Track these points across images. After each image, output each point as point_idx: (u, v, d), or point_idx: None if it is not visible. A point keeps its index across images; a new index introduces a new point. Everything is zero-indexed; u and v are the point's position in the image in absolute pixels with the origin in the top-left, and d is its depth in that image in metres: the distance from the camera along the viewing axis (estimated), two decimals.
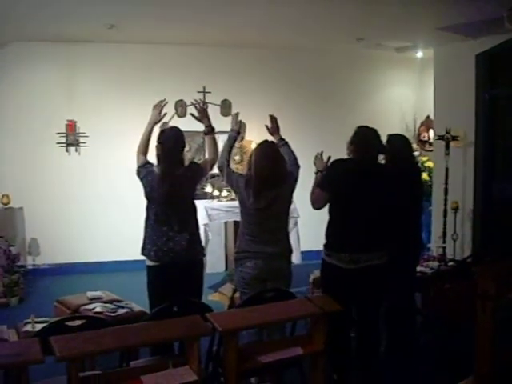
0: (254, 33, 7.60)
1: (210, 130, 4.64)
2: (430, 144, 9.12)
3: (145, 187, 4.36)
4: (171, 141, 4.31)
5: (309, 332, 3.59)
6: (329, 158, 4.48)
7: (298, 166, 4.46)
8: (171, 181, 4.28)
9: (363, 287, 4.21)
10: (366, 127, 4.39)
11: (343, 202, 4.26)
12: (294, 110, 8.55)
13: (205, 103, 4.76)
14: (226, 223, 7.80)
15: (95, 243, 8.06)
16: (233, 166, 4.55)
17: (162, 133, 4.40)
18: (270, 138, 4.58)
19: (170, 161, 4.30)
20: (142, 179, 4.38)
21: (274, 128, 4.63)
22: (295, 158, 4.48)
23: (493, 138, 7.66)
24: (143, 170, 4.37)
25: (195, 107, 4.72)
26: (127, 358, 3.28)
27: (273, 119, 4.66)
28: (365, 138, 4.32)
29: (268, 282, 4.23)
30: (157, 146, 4.36)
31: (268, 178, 4.19)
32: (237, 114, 4.68)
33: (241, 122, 4.64)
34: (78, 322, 3.21)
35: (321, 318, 3.47)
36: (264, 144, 4.35)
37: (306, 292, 5.69)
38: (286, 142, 4.54)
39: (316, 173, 4.53)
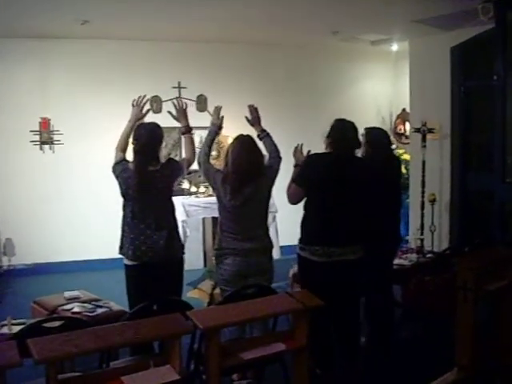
0: (230, 28, 7.56)
1: (188, 130, 4.58)
2: (407, 137, 9.18)
3: (120, 184, 4.30)
4: (147, 136, 4.25)
5: (291, 327, 3.57)
6: (308, 151, 4.45)
7: (279, 158, 4.41)
8: (146, 177, 4.21)
9: (337, 281, 4.20)
10: (343, 120, 4.38)
11: (318, 196, 4.25)
12: (271, 105, 8.46)
13: (185, 103, 4.68)
14: (204, 219, 7.75)
15: (72, 242, 7.95)
16: (210, 161, 4.49)
17: (138, 128, 4.34)
18: (248, 131, 4.50)
19: (145, 156, 4.23)
20: (117, 176, 4.31)
21: (255, 119, 4.53)
22: (277, 150, 4.42)
23: (468, 130, 7.73)
24: (119, 167, 4.31)
25: (174, 106, 4.66)
26: (107, 358, 3.23)
27: (253, 109, 4.55)
28: (342, 131, 4.30)
29: (249, 278, 4.20)
30: (132, 142, 4.30)
31: (245, 173, 4.14)
32: (218, 108, 4.56)
33: (223, 117, 4.54)
34: (56, 323, 3.16)
35: (302, 314, 3.44)
36: (240, 138, 4.29)
37: (285, 287, 5.68)
38: (268, 134, 4.47)
39: (295, 166, 4.51)
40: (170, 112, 4.70)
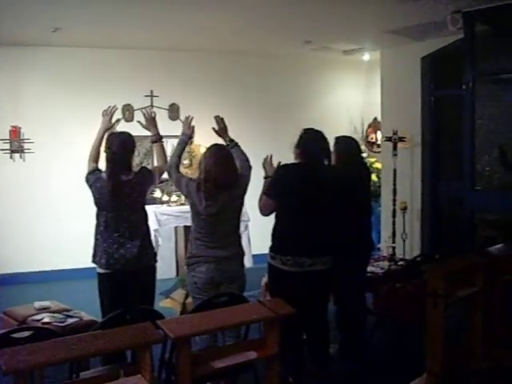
0: (202, 37, 7.56)
1: (158, 138, 4.58)
2: (378, 145, 9.25)
3: (94, 194, 4.29)
4: (119, 145, 4.24)
5: (262, 336, 3.56)
6: (279, 163, 4.46)
7: (250, 167, 4.42)
8: (119, 186, 4.21)
9: (306, 291, 4.22)
10: (311, 129, 4.40)
11: (289, 206, 4.27)
12: (243, 114, 8.54)
13: (153, 112, 4.68)
14: (176, 228, 7.73)
15: (44, 252, 7.84)
16: (182, 170, 4.48)
17: (110, 137, 4.33)
18: (220, 140, 4.53)
19: (117, 165, 4.22)
20: (90, 186, 4.30)
21: (222, 129, 4.52)
22: (247, 159, 4.43)
23: (439, 139, 7.81)
24: (92, 177, 4.30)
25: (143, 115, 4.65)
26: (77, 369, 3.20)
27: (219, 120, 4.54)
28: (310, 140, 4.32)
29: (221, 286, 4.20)
30: (105, 151, 4.29)
31: (220, 181, 4.14)
32: (189, 119, 4.56)
33: (194, 126, 4.55)
34: (25, 334, 3.12)
35: (274, 322, 3.44)
36: (214, 147, 4.29)
37: (258, 296, 5.66)
38: (236, 143, 4.48)
39: (265, 178, 4.52)
40: (139, 121, 4.70)
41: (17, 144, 7.75)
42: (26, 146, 7.79)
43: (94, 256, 4.33)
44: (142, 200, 4.42)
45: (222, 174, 4.15)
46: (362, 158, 5.40)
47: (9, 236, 7.76)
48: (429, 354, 4.26)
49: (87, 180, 4.32)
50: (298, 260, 4.18)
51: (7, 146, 7.73)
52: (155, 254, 4.55)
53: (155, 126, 4.60)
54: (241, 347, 3.51)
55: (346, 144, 4.99)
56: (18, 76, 7.80)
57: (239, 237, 4.44)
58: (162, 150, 4.61)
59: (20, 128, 7.76)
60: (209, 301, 3.71)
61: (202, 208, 4.18)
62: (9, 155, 7.75)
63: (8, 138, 7.73)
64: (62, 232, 7.87)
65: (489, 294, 4.65)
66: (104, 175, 4.26)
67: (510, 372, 4.40)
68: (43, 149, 7.83)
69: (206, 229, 4.23)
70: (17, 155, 7.79)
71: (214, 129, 4.54)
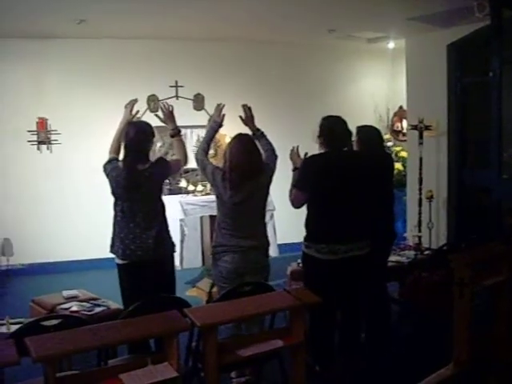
0: (227, 26, 7.56)
1: (177, 133, 4.56)
2: (404, 134, 9.18)
3: (111, 183, 4.30)
4: (135, 134, 4.24)
5: (288, 324, 3.58)
6: (305, 154, 4.47)
7: (275, 157, 4.42)
8: (135, 175, 4.21)
9: (343, 278, 4.24)
10: (330, 116, 4.40)
11: (319, 196, 4.28)
12: (268, 104, 8.51)
13: (170, 106, 4.67)
14: (202, 218, 7.75)
15: (70, 242, 7.95)
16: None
17: (127, 126, 4.36)
18: (244, 129, 4.53)
19: (133, 154, 4.23)
20: (107, 175, 4.31)
21: (249, 118, 4.52)
22: (273, 149, 4.43)
23: (465, 127, 7.74)
24: (109, 167, 4.32)
25: (161, 109, 4.66)
26: (105, 356, 3.25)
27: (246, 109, 4.54)
28: (331, 128, 4.33)
29: (246, 276, 4.20)
30: (123, 141, 4.32)
31: (245, 170, 4.15)
32: (221, 106, 4.54)
33: (224, 114, 4.54)
34: (53, 322, 3.16)
35: (300, 310, 3.46)
36: (239, 137, 4.30)
37: (283, 285, 5.70)
38: (262, 133, 4.48)
39: (293, 170, 4.53)
40: (157, 115, 4.71)
41: (43, 135, 7.83)
42: (52, 137, 7.88)
43: (112, 246, 4.35)
44: (159, 190, 4.41)
45: (247, 163, 4.16)
46: (384, 147, 5.36)
47: (37, 227, 7.88)
48: (455, 342, 4.25)
49: (105, 169, 4.33)
50: (333, 248, 4.19)
51: (34, 138, 7.82)
52: (173, 244, 4.51)
53: (173, 119, 4.58)
54: (267, 336, 3.52)
55: (368, 133, 4.97)
56: (43, 68, 7.89)
57: (264, 227, 4.44)
58: (182, 144, 4.60)
59: (47, 119, 7.84)
60: (234, 290, 3.72)
61: (226, 197, 4.20)
62: (36, 146, 7.84)
63: (35, 129, 7.81)
64: (89, 222, 7.94)
65: None
66: (121, 164, 4.27)
67: None
68: (70, 140, 7.91)
69: (231, 218, 4.24)
70: (44, 146, 7.87)
71: (240, 117, 4.54)
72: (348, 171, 4.26)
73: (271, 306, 3.44)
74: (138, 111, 4.62)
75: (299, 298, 3.45)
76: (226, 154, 4.25)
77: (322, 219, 4.29)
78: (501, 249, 4.76)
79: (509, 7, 6.09)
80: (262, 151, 4.37)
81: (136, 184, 4.21)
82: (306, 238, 4.36)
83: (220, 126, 4.55)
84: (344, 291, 4.30)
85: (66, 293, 4.83)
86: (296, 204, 4.37)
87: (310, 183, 4.27)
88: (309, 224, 4.36)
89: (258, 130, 4.50)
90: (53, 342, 2.75)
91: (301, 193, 4.30)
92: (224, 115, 4.53)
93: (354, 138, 4.73)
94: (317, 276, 4.24)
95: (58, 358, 2.84)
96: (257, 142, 4.43)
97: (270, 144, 4.44)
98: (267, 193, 4.39)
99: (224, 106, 4.55)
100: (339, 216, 4.23)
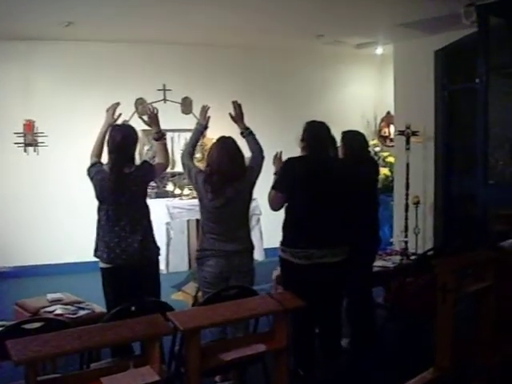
0: (215, 31, 7.56)
1: (160, 136, 4.54)
2: (391, 140, 9.23)
3: (95, 187, 4.29)
4: (122, 137, 4.23)
5: (271, 328, 3.58)
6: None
7: (262, 157, 4.40)
8: (119, 178, 4.20)
9: (317, 283, 4.23)
10: (314, 122, 4.40)
11: (297, 199, 4.28)
12: (255, 109, 8.43)
13: (155, 108, 4.67)
14: (188, 221, 7.75)
15: (56, 245, 7.92)
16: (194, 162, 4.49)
17: (112, 130, 4.33)
18: (232, 132, 4.52)
19: (119, 157, 4.22)
20: (91, 178, 4.30)
21: (238, 115, 4.52)
22: (260, 149, 4.41)
23: (452, 133, 7.78)
24: (93, 170, 4.30)
25: (146, 112, 4.65)
26: (88, 360, 3.23)
27: (236, 106, 4.54)
28: (315, 133, 4.33)
29: (231, 280, 4.21)
30: (107, 141, 4.29)
31: (226, 175, 4.15)
32: (206, 108, 4.55)
33: (209, 117, 4.54)
34: (36, 325, 3.15)
35: (283, 315, 3.46)
36: (221, 140, 4.30)
37: (269, 289, 5.67)
38: (251, 131, 4.46)
39: (275, 174, 4.52)
40: (141, 118, 4.71)
41: (30, 137, 7.80)
42: (39, 139, 7.85)
43: (96, 250, 4.33)
44: (144, 193, 4.40)
45: (228, 167, 4.16)
46: (369, 152, 5.38)
47: (23, 229, 7.84)
48: (438, 347, 4.27)
49: (89, 173, 4.32)
50: (307, 252, 4.19)
51: (21, 140, 7.79)
52: (158, 248, 4.50)
53: (157, 123, 4.55)
54: (250, 340, 3.53)
55: (353, 138, 4.99)
56: (31, 70, 7.86)
57: (248, 230, 4.43)
58: (165, 147, 4.58)
59: (34, 122, 7.81)
60: (218, 294, 3.72)
61: (207, 200, 4.20)
62: (23, 149, 7.81)
63: (22, 131, 7.78)
64: (75, 225, 7.88)
65: (499, 288, 4.64)
66: (105, 168, 4.25)
67: None
68: (57, 142, 7.89)
69: (214, 222, 4.24)
70: (31, 149, 7.85)
71: (230, 114, 4.54)
72: (326, 177, 4.26)
73: (254, 310, 3.44)
74: (120, 114, 4.59)
75: (282, 302, 3.45)
76: (209, 157, 4.24)
77: (297, 223, 4.29)
78: (486, 255, 4.78)
79: (495, 14, 6.14)
80: (248, 152, 4.38)
81: (122, 187, 4.20)
82: (282, 242, 4.36)
83: (205, 128, 4.55)
84: (321, 296, 4.28)
85: (50, 296, 4.81)
86: (274, 206, 4.37)
87: (287, 185, 4.27)
88: (285, 228, 4.36)
89: (247, 128, 4.47)
90: (34, 345, 2.74)
91: (279, 194, 4.29)
92: (209, 117, 4.53)
93: (338, 143, 4.76)
94: (293, 280, 4.25)
95: (39, 360, 2.82)
96: (245, 141, 4.44)
97: (257, 144, 4.42)
98: (250, 196, 4.38)
99: (209, 108, 4.56)
100: (315, 221, 4.22)
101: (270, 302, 3.49)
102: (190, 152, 4.42)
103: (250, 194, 4.37)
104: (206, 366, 3.21)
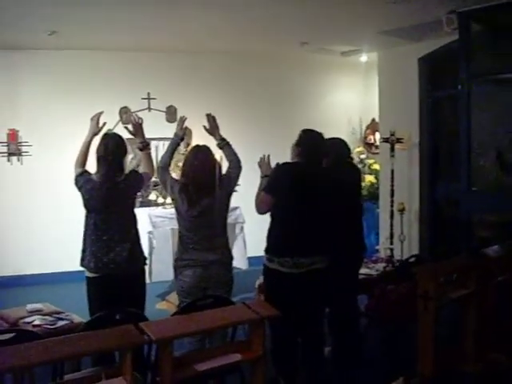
0: (200, 38, 7.54)
1: (145, 146, 4.53)
2: (376, 147, 9.21)
3: (83, 196, 4.27)
4: (114, 146, 4.23)
5: (247, 338, 3.54)
6: (277, 163, 4.44)
7: (239, 168, 4.38)
8: (112, 186, 4.19)
9: (306, 292, 4.20)
10: (312, 131, 4.39)
11: (287, 205, 4.24)
12: (241, 116, 8.55)
13: (140, 118, 4.65)
14: (173, 230, 7.69)
15: (39, 254, 7.83)
16: (177, 173, 4.45)
17: (104, 138, 4.31)
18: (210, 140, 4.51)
19: (112, 166, 4.21)
20: (80, 188, 4.28)
21: (213, 127, 4.49)
22: (238, 159, 4.38)
23: (436, 140, 7.79)
24: (81, 179, 4.28)
25: (131, 122, 4.64)
26: (60, 371, 3.18)
27: (210, 118, 4.51)
28: (312, 141, 4.32)
29: (208, 290, 4.17)
30: (98, 149, 4.25)
31: (200, 185, 4.13)
32: (183, 119, 4.52)
33: (186, 128, 4.54)
34: (7, 336, 3.11)
35: (258, 324, 3.42)
36: (195, 149, 4.29)
37: (253, 298, 5.65)
38: (227, 142, 4.43)
39: (262, 177, 4.50)
40: (126, 127, 4.69)
41: (14, 147, 7.75)
42: (23, 148, 7.80)
43: (83, 259, 4.30)
44: (132, 202, 4.40)
45: (202, 177, 4.14)
46: (352, 158, 5.37)
47: (7, 239, 7.77)
48: (420, 355, 4.25)
49: (76, 182, 4.29)
50: (297, 261, 4.15)
51: (5, 149, 7.74)
52: (145, 258, 4.50)
53: (142, 132, 4.54)
54: (225, 349, 3.49)
55: (335, 145, 4.95)
56: (14, 79, 7.80)
57: (227, 239, 4.39)
58: (149, 157, 4.58)
59: (18, 131, 7.76)
60: (193, 303, 3.69)
61: (184, 210, 4.18)
62: (6, 158, 7.76)
63: (6, 140, 7.73)
64: (60, 235, 7.83)
65: (482, 295, 4.63)
66: (94, 177, 4.24)
67: (502, 374, 4.38)
68: (41, 152, 7.83)
69: (191, 231, 4.21)
70: (14, 158, 7.79)
71: (204, 127, 4.52)
72: (317, 185, 4.25)
73: (229, 319, 3.41)
74: (104, 123, 4.56)
75: (258, 311, 3.42)
76: (183, 167, 4.22)
77: (285, 231, 4.25)
78: (468, 262, 4.78)
79: (476, 21, 6.16)
80: (224, 161, 4.35)
81: (111, 194, 4.19)
82: (267, 251, 4.30)
83: (181, 139, 4.53)
84: (306, 304, 4.25)
85: (29, 306, 4.75)
86: (261, 208, 4.32)
87: (279, 188, 4.23)
88: (271, 236, 4.31)
89: (224, 139, 4.45)
90: (2, 356, 2.70)
91: (269, 197, 4.24)
92: (186, 128, 4.51)
93: None
94: (279, 290, 4.19)
95: (6, 372, 2.77)
96: (222, 152, 4.42)
97: (235, 154, 4.39)
98: (227, 205, 4.34)
99: (186, 118, 4.53)
100: (303, 228, 4.20)
101: (245, 311, 3.46)
102: (166, 163, 4.38)
103: (228, 202, 4.34)
104: (179, 376, 3.17)
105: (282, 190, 4.24)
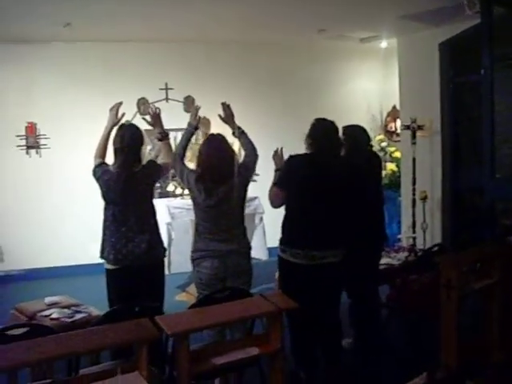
0: (217, 28, 7.47)
1: (164, 136, 4.52)
2: (398, 134, 9.08)
3: (101, 187, 4.25)
4: (131, 137, 4.21)
5: (265, 331, 3.48)
6: (289, 156, 4.37)
7: (256, 156, 4.33)
8: (129, 177, 4.17)
9: (318, 284, 4.15)
10: (324, 119, 4.31)
11: (299, 197, 4.19)
12: (258, 105, 8.48)
13: (158, 108, 4.61)
14: (191, 221, 7.65)
15: (59, 247, 7.85)
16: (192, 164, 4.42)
17: (120, 129, 4.29)
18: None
19: (129, 157, 4.19)
20: (98, 179, 4.27)
21: (228, 116, 4.44)
22: (254, 148, 4.33)
23: (458, 126, 7.64)
24: (99, 170, 4.27)
25: (149, 112, 4.60)
26: (76, 365, 3.15)
27: (226, 107, 4.47)
28: (324, 131, 4.24)
29: (227, 281, 4.12)
30: (114, 140, 4.24)
31: (216, 174, 4.07)
32: (197, 109, 4.49)
33: (200, 117, 4.48)
34: (20, 331, 3.08)
35: (276, 316, 3.36)
36: (211, 138, 4.25)
37: (273, 288, 5.60)
38: (243, 131, 4.39)
39: (276, 170, 4.44)
40: (145, 118, 4.65)
41: (32, 140, 7.76)
42: (42, 141, 7.81)
43: (102, 251, 4.29)
44: (150, 193, 4.38)
45: (217, 167, 4.08)
46: (371, 145, 5.26)
47: (26, 232, 7.78)
48: (443, 346, 4.16)
49: (95, 173, 4.29)
50: (308, 253, 4.10)
51: (23, 142, 7.75)
52: (165, 249, 4.48)
53: (160, 123, 4.53)
54: (243, 343, 3.43)
55: (354, 132, 4.87)
56: (31, 73, 7.78)
57: (244, 229, 4.33)
58: (169, 147, 4.57)
59: (35, 124, 7.77)
60: (210, 296, 3.63)
61: (200, 200, 4.12)
62: (25, 151, 7.77)
63: (24, 134, 7.74)
64: (80, 227, 7.84)
65: (506, 284, 4.52)
66: (111, 168, 4.23)
67: None
68: (59, 144, 7.83)
69: (208, 221, 4.16)
70: (33, 151, 7.80)
71: (220, 116, 4.48)
72: (330, 175, 4.16)
73: (246, 312, 3.35)
74: (123, 114, 4.53)
75: (276, 303, 3.35)
76: (198, 157, 4.16)
77: (298, 223, 4.21)
78: (492, 250, 4.67)
79: (499, 4, 6.00)
80: (241, 150, 4.30)
81: (129, 185, 4.17)
82: (281, 242, 4.28)
83: (195, 128, 4.47)
84: (320, 296, 4.19)
85: (48, 299, 4.75)
86: (275, 202, 4.29)
87: (290, 183, 4.18)
88: (285, 227, 4.29)
89: (239, 128, 4.40)
90: (16, 351, 2.67)
91: (281, 191, 4.21)
92: (200, 118, 4.46)
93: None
94: (292, 280, 4.16)
95: (21, 367, 2.74)
96: (237, 141, 4.38)
97: (251, 143, 4.35)
98: (245, 194, 4.28)
99: (200, 107, 4.51)
100: (316, 221, 4.14)
101: (263, 304, 3.40)
102: (180, 154, 4.34)
103: (245, 191, 4.28)
104: (197, 369, 3.12)
105: (293, 183, 4.19)
